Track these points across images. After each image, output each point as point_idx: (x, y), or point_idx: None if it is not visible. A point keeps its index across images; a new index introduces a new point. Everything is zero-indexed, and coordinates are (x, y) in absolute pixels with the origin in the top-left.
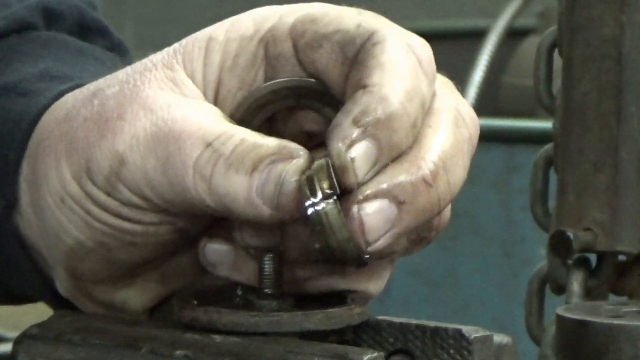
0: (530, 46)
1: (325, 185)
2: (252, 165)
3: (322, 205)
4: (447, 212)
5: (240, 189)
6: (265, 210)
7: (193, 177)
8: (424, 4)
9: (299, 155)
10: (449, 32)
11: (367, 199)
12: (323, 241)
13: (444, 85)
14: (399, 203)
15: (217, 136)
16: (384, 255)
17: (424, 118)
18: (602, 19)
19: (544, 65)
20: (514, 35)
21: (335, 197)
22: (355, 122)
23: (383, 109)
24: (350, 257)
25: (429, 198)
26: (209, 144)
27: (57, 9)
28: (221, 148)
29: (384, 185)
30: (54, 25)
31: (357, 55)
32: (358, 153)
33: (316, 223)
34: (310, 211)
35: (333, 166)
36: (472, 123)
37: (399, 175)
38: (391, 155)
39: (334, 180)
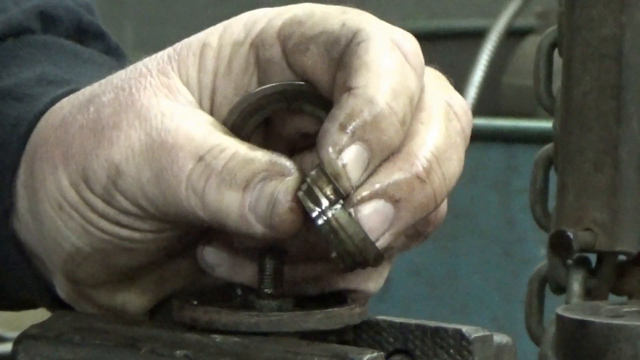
0: (530, 46)
1: (328, 191)
2: (244, 181)
3: (330, 212)
4: (443, 207)
5: (234, 205)
6: (258, 228)
7: (186, 191)
8: (424, 4)
9: (290, 172)
10: (449, 32)
11: (363, 200)
12: (340, 248)
13: (435, 78)
14: (395, 201)
15: (209, 149)
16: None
17: (413, 114)
18: (602, 19)
19: (544, 65)
20: (514, 35)
21: (341, 201)
22: (343, 127)
23: (369, 110)
24: (371, 255)
25: (425, 194)
26: (201, 158)
27: (53, 13)
28: (213, 162)
29: (378, 186)
30: (51, 29)
31: (342, 55)
32: (349, 158)
33: (328, 231)
34: (319, 222)
35: (325, 174)
36: (464, 115)
37: (393, 174)
38: (383, 155)
39: (337, 184)
